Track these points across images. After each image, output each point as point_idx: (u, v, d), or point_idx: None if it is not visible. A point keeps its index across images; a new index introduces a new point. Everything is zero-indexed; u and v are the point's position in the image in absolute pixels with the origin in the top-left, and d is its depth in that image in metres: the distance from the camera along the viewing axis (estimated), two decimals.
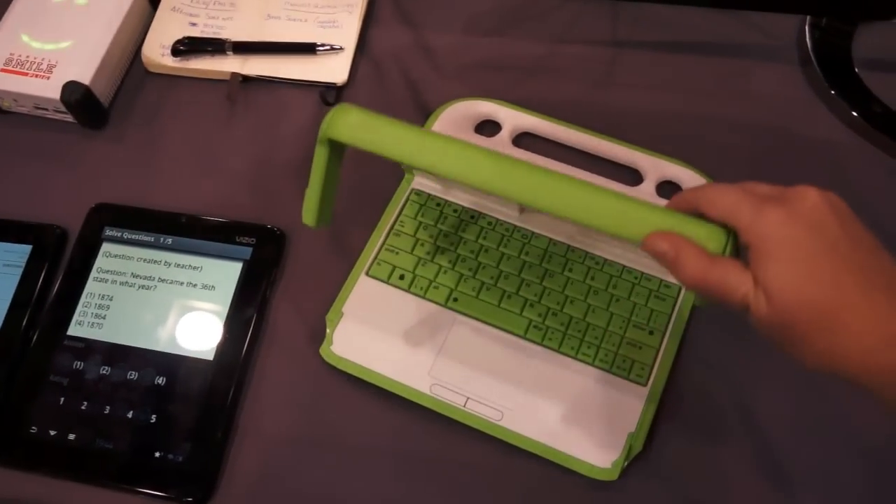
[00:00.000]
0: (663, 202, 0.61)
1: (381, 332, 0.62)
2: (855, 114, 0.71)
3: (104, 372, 0.63)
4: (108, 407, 0.62)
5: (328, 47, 0.74)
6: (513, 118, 0.71)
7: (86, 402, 0.62)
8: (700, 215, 0.46)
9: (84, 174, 0.73)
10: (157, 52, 0.75)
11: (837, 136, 0.71)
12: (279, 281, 0.67)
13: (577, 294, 0.62)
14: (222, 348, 0.64)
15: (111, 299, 0.66)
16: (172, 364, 0.63)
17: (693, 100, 0.73)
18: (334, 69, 0.74)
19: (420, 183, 0.68)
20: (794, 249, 0.41)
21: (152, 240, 0.68)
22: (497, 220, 0.66)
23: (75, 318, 0.65)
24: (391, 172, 0.68)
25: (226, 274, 0.66)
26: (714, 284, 0.43)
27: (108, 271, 0.67)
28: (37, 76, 0.72)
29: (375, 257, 0.65)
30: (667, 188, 0.68)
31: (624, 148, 0.69)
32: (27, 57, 0.73)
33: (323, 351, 0.62)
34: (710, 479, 0.58)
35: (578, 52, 0.76)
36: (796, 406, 0.60)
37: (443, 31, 0.78)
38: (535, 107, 0.72)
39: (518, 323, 0.62)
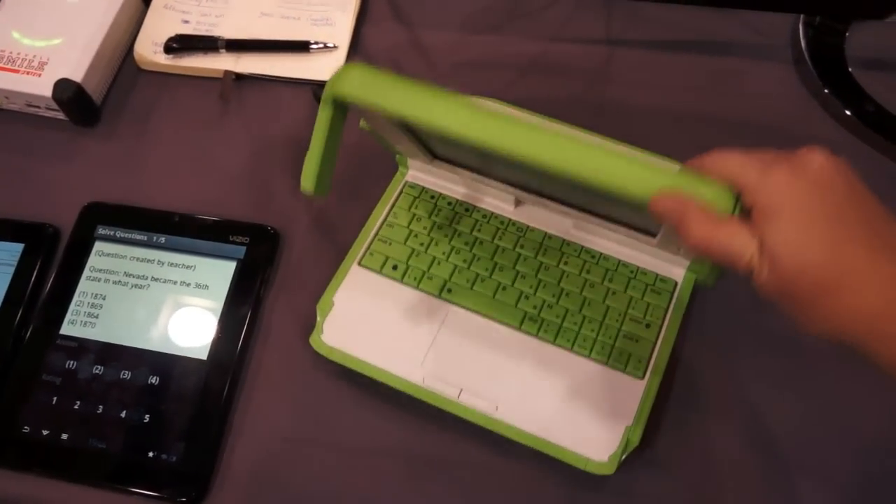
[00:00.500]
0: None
1: (372, 323, 0.62)
2: (848, 112, 0.71)
3: (97, 371, 0.63)
4: (101, 406, 0.62)
5: (322, 45, 0.74)
6: None
7: (79, 402, 0.62)
8: None
9: (76, 172, 0.72)
10: (149, 49, 0.75)
11: (831, 135, 0.71)
12: (273, 279, 0.66)
13: (573, 287, 0.62)
14: (216, 347, 0.63)
15: (104, 298, 0.65)
16: (166, 363, 0.63)
17: (686, 98, 0.73)
18: (328, 67, 0.74)
19: (414, 176, 0.68)
20: (799, 210, 0.40)
21: (145, 238, 0.68)
22: (492, 213, 0.66)
23: (68, 317, 0.65)
24: (385, 167, 0.68)
25: (219, 273, 0.66)
26: (719, 248, 0.42)
27: (101, 270, 0.67)
28: (28, 73, 0.71)
29: (368, 248, 0.65)
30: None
31: (617, 145, 0.68)
32: (18, 54, 0.72)
33: (313, 340, 0.61)
34: (708, 473, 0.58)
35: (572, 51, 0.76)
36: (795, 400, 0.60)
37: (437, 29, 0.78)
38: (530, 105, 0.72)
39: (513, 314, 0.61)
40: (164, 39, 0.75)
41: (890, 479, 0.57)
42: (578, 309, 0.61)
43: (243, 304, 0.65)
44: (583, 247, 0.64)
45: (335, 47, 0.74)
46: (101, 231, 0.68)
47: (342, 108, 0.51)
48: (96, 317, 0.65)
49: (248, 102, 0.74)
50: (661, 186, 0.44)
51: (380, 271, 0.63)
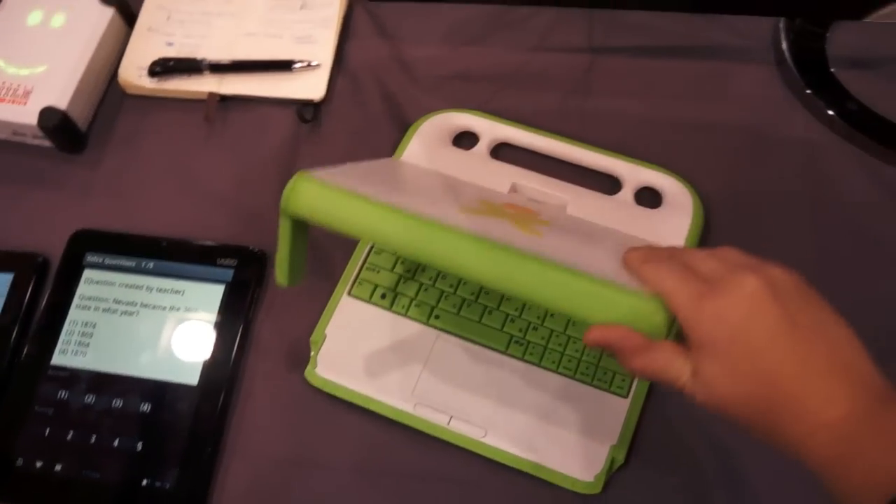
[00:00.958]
0: (642, 209, 0.62)
1: (364, 353, 0.62)
2: (831, 112, 0.71)
3: (89, 400, 0.63)
4: (94, 436, 0.62)
5: (304, 64, 0.74)
6: (490, 129, 0.71)
7: (72, 432, 0.62)
8: None
9: (64, 199, 0.73)
10: (133, 73, 0.75)
11: (814, 136, 0.71)
12: (262, 302, 0.67)
13: None
14: (207, 372, 0.64)
15: (94, 326, 0.66)
16: (157, 390, 0.63)
17: (670, 104, 0.73)
18: (311, 85, 0.74)
19: None
20: (729, 347, 0.41)
21: (134, 265, 0.68)
22: None
23: (59, 346, 0.65)
24: None
25: (208, 297, 0.66)
26: (655, 374, 0.44)
27: (90, 298, 0.67)
28: (13, 102, 0.72)
29: (357, 276, 0.65)
30: (646, 195, 0.68)
31: (602, 156, 0.69)
32: (3, 83, 0.73)
33: (308, 374, 0.62)
34: (693, 491, 0.59)
35: (555, 60, 0.76)
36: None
37: (419, 42, 0.78)
38: (513, 116, 0.72)
39: (499, 338, 0.62)
40: (148, 63, 0.75)
41: None
42: (563, 329, 0.62)
43: (233, 327, 0.65)
44: None
45: (318, 65, 0.74)
46: (89, 258, 0.69)
47: None
48: (87, 345, 0.65)
49: (233, 123, 0.74)
50: (596, 307, 0.45)
51: (369, 300, 0.64)
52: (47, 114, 0.70)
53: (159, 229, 0.70)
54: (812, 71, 0.73)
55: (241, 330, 0.65)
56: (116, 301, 0.67)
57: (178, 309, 0.66)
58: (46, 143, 0.73)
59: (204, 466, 0.61)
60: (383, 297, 0.64)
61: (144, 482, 0.60)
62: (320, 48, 0.75)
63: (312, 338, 0.63)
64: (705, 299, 0.42)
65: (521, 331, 0.62)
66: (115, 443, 0.62)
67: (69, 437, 0.62)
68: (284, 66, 0.74)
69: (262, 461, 0.61)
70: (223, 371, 0.64)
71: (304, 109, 0.73)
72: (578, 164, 0.69)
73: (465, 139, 0.72)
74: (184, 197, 0.72)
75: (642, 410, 0.60)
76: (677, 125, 0.72)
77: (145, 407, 0.63)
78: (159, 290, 0.67)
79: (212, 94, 0.74)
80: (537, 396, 0.60)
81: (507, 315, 0.62)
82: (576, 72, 0.75)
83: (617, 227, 0.64)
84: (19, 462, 0.61)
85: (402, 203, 0.49)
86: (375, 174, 0.60)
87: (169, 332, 0.65)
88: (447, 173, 0.67)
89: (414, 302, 0.64)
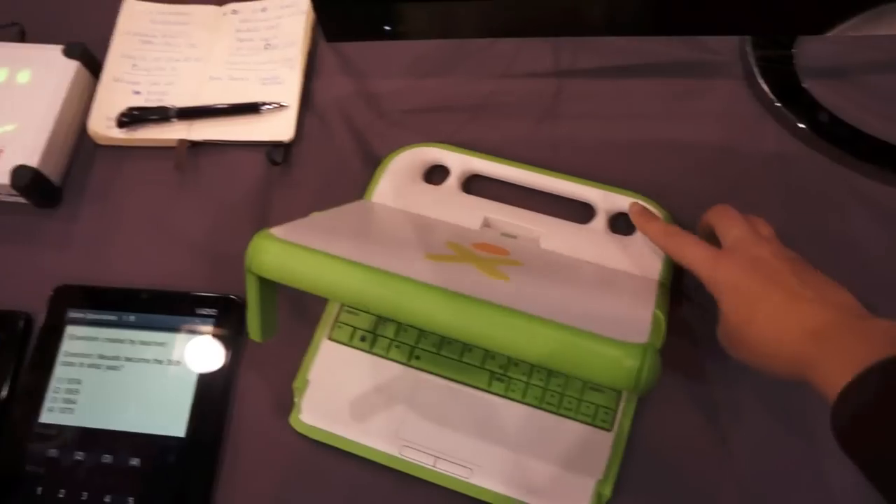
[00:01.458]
0: (616, 237, 0.63)
1: (347, 397, 0.63)
2: (801, 125, 0.71)
3: (79, 458, 0.64)
4: (85, 493, 0.63)
5: (272, 105, 0.74)
6: (461, 162, 0.71)
7: (63, 491, 0.63)
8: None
9: (42, 255, 0.73)
10: (102, 124, 0.75)
11: (786, 149, 0.71)
12: (244, 350, 0.67)
13: None
14: (194, 423, 0.64)
15: (80, 383, 0.66)
16: (145, 444, 0.64)
17: (640, 125, 0.73)
18: (280, 127, 0.74)
19: None
20: (736, 292, 0.54)
21: (115, 318, 0.69)
22: None
23: (46, 404, 0.66)
24: None
25: (190, 347, 0.67)
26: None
27: (74, 354, 0.68)
28: None
29: (336, 320, 0.65)
30: (620, 221, 0.68)
31: (574, 183, 0.69)
32: None
33: (293, 420, 0.63)
34: None
35: (522, 87, 0.76)
36: (767, 444, 0.61)
37: (386, 76, 0.78)
38: (483, 147, 0.72)
39: (480, 376, 0.62)
40: (116, 113, 0.75)
41: None
42: None
43: (217, 376, 0.66)
44: None
45: (286, 106, 0.74)
46: (71, 314, 0.69)
47: None
48: (74, 402, 0.66)
49: (204, 169, 0.75)
50: (559, 354, 0.46)
51: (349, 343, 0.64)
52: (19, 172, 0.71)
53: (138, 280, 0.70)
54: (781, 83, 0.73)
55: (225, 379, 0.65)
56: (101, 356, 0.67)
57: (161, 361, 0.67)
58: (22, 199, 0.73)
59: None
60: (363, 339, 0.64)
61: None
62: (286, 88, 0.75)
63: (295, 384, 0.64)
64: (719, 260, 0.55)
65: (501, 367, 0.62)
66: (107, 499, 0.62)
67: (61, 495, 0.63)
68: (252, 108, 0.74)
69: None
70: (210, 421, 0.64)
71: (274, 152, 0.73)
72: (551, 192, 0.69)
73: (435, 173, 0.72)
74: (160, 246, 0.72)
75: (628, 443, 0.60)
76: (649, 146, 0.72)
77: (135, 461, 0.63)
78: (142, 343, 0.67)
79: (181, 142, 0.74)
80: (521, 433, 0.60)
81: (487, 352, 0.63)
82: (544, 97, 0.75)
83: (591, 257, 0.64)
84: None
85: (366, 256, 0.50)
86: (342, 223, 0.60)
87: (154, 385, 0.66)
88: (418, 211, 0.67)
89: (394, 343, 0.64)
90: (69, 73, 0.76)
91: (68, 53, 0.76)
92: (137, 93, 0.77)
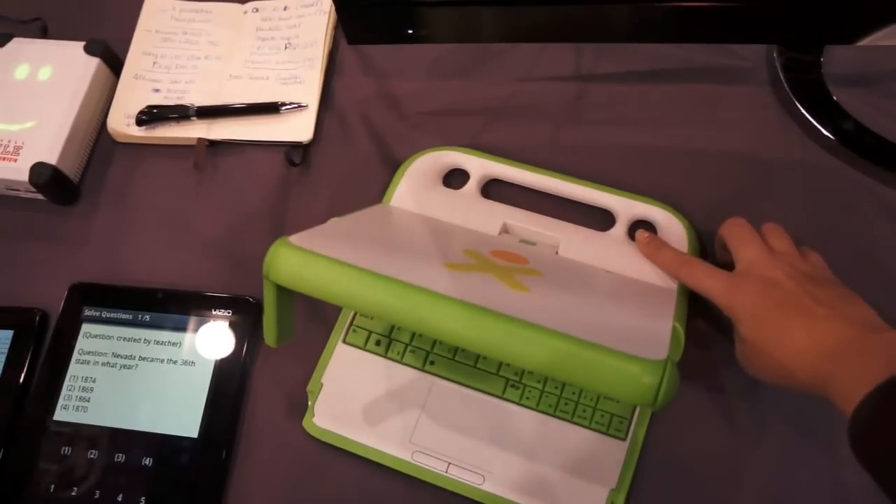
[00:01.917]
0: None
1: (361, 400, 0.62)
2: (826, 133, 0.70)
3: (92, 456, 0.64)
4: (97, 492, 0.63)
5: (292, 105, 0.74)
6: (480, 167, 0.70)
7: (76, 489, 0.63)
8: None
9: (59, 252, 0.73)
10: (121, 122, 0.75)
11: (811, 157, 0.70)
12: (259, 351, 0.67)
13: None
14: (207, 424, 0.64)
15: (94, 381, 0.66)
16: (158, 444, 0.64)
17: (663, 131, 0.72)
18: (299, 127, 0.74)
19: None
20: (753, 315, 0.55)
21: (130, 317, 0.68)
22: None
23: (60, 402, 0.66)
24: None
25: (205, 348, 0.67)
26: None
27: (89, 353, 0.68)
28: (4, 159, 0.72)
29: (351, 324, 0.65)
30: (640, 228, 0.67)
31: (594, 190, 0.68)
32: None
33: (306, 423, 0.62)
34: None
35: (543, 90, 0.75)
36: (783, 456, 0.60)
37: (406, 78, 0.77)
38: (503, 150, 0.71)
39: (495, 383, 0.62)
40: (135, 111, 0.75)
41: None
42: None
43: (231, 377, 0.65)
44: None
45: (305, 106, 0.74)
46: (87, 312, 0.69)
47: None
48: (88, 400, 0.66)
49: (222, 168, 0.74)
50: (579, 369, 0.45)
51: (364, 347, 0.64)
52: (38, 169, 0.71)
53: (154, 279, 0.70)
54: (807, 91, 0.72)
55: (239, 380, 0.65)
56: (115, 355, 0.67)
57: (175, 361, 0.66)
58: (40, 196, 0.73)
59: None
60: (378, 343, 0.64)
61: None
62: (307, 88, 0.75)
63: (309, 387, 0.63)
64: (733, 286, 0.56)
65: (516, 374, 0.62)
66: (119, 498, 0.62)
67: (73, 493, 0.63)
68: (272, 108, 0.74)
69: None
70: (223, 422, 0.64)
71: (293, 153, 0.73)
72: (571, 199, 0.69)
73: (455, 177, 0.72)
74: (177, 245, 0.72)
75: (641, 453, 0.59)
76: (671, 153, 0.71)
77: (147, 461, 0.63)
78: (157, 343, 0.67)
79: (200, 140, 0.74)
80: (535, 441, 0.60)
81: None
82: (565, 101, 0.74)
83: (610, 265, 0.64)
84: None
85: (385, 266, 0.49)
86: (361, 230, 0.60)
87: (168, 385, 0.66)
88: (437, 216, 0.67)
89: (409, 348, 0.63)
90: (90, 70, 0.76)
91: (89, 50, 0.76)
92: (157, 91, 0.77)
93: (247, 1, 0.82)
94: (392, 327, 0.64)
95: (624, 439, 0.59)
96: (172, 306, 0.68)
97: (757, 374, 0.55)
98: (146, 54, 0.79)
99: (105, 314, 0.69)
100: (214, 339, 0.67)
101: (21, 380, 0.67)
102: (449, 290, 0.48)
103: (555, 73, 0.76)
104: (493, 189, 0.71)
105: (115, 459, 0.64)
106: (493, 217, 0.67)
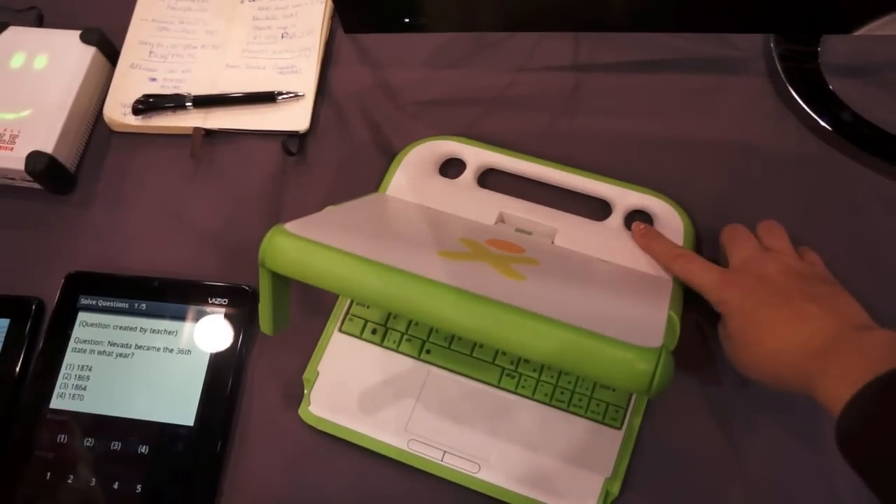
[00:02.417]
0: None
1: (357, 389, 0.62)
2: (824, 123, 0.70)
3: (88, 444, 0.64)
4: (94, 479, 0.63)
5: (289, 95, 0.74)
6: (477, 156, 0.70)
7: (72, 476, 0.63)
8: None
9: (55, 241, 0.73)
10: (118, 111, 0.75)
11: (808, 147, 0.70)
12: (255, 340, 0.67)
13: None
14: (203, 412, 0.64)
15: (90, 369, 0.66)
16: (154, 432, 0.64)
17: (660, 121, 0.72)
18: (296, 117, 0.74)
19: None
20: (742, 311, 0.55)
21: (127, 306, 0.68)
22: None
23: (56, 390, 0.66)
24: None
25: (201, 336, 0.67)
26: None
27: (85, 341, 0.68)
28: (0, 148, 0.72)
29: (347, 312, 0.65)
30: (636, 218, 0.67)
31: (590, 180, 0.68)
32: None
33: (302, 412, 0.62)
34: None
35: (541, 80, 0.75)
36: (776, 445, 0.60)
37: (402, 68, 0.77)
38: (500, 140, 0.71)
39: (491, 372, 0.62)
40: (132, 100, 0.75)
41: None
42: None
43: (227, 366, 0.65)
44: None
45: (302, 95, 0.74)
46: (83, 301, 0.69)
47: None
48: (84, 388, 0.66)
49: (219, 157, 0.74)
50: (574, 357, 0.45)
51: (360, 336, 0.64)
52: (34, 158, 0.71)
53: (150, 268, 0.70)
54: (804, 81, 0.72)
55: (235, 368, 0.65)
56: (111, 343, 0.67)
57: (171, 350, 0.66)
58: (36, 185, 0.73)
59: None
60: (374, 332, 0.64)
61: None
62: (303, 78, 0.75)
63: (305, 375, 0.63)
64: (725, 281, 0.56)
65: (512, 363, 0.62)
66: (116, 485, 0.62)
67: (70, 480, 0.63)
68: (268, 97, 0.74)
69: (259, 500, 0.62)
70: (219, 410, 0.64)
71: (290, 142, 0.73)
72: (567, 188, 0.68)
73: (451, 166, 0.71)
74: (173, 234, 0.72)
75: (636, 442, 0.60)
76: (668, 143, 0.71)
77: (143, 449, 0.63)
78: (153, 331, 0.67)
79: (197, 130, 0.74)
80: (530, 429, 0.60)
81: (498, 348, 0.62)
82: (562, 92, 0.74)
83: (607, 255, 0.64)
84: None
85: (381, 254, 0.49)
86: (357, 218, 0.60)
87: (164, 373, 0.66)
88: (433, 205, 0.67)
89: (405, 336, 0.63)
90: (86, 59, 0.76)
91: (85, 39, 0.76)
92: (154, 80, 0.77)
93: None
94: (388, 316, 0.64)
95: (620, 428, 0.59)
96: (169, 295, 0.69)
97: (744, 371, 0.55)
98: (142, 43, 0.78)
99: (101, 303, 0.69)
100: (211, 327, 0.67)
101: (17, 368, 0.67)
102: (444, 278, 0.48)
103: (551, 63, 0.76)
104: (490, 179, 0.71)
105: (112, 447, 0.64)
106: (490, 206, 0.67)
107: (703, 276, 0.57)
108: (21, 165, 0.70)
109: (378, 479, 0.61)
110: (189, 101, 0.74)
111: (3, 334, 0.69)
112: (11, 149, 0.71)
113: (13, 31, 0.78)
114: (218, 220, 0.72)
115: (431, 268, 0.49)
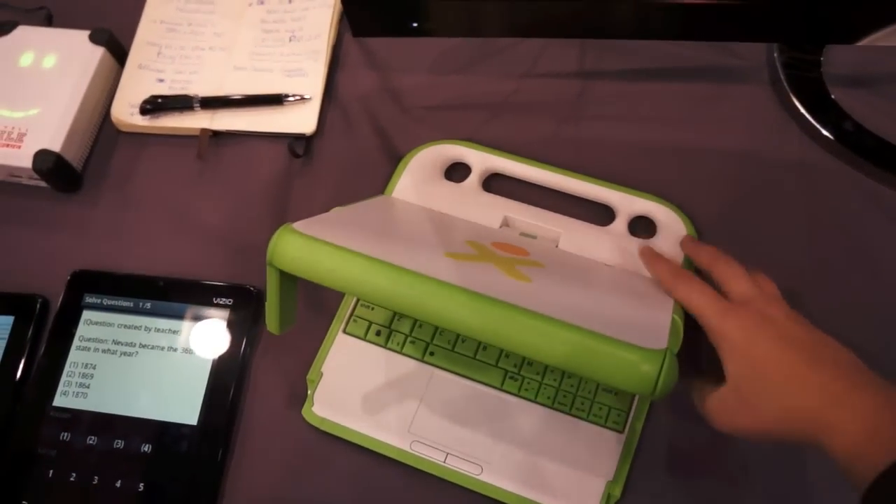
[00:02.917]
0: (635, 241, 0.62)
1: (360, 391, 0.63)
2: (826, 133, 0.70)
3: (91, 442, 0.64)
4: (96, 477, 0.63)
5: (295, 97, 0.74)
6: (482, 160, 0.71)
7: (74, 474, 0.63)
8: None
9: (61, 239, 0.73)
10: (125, 111, 0.76)
11: (810, 156, 0.71)
12: (259, 340, 0.67)
13: None
14: (206, 412, 0.64)
15: (94, 368, 0.67)
16: (157, 430, 0.64)
17: (664, 128, 0.73)
18: (302, 119, 0.74)
19: None
20: (744, 364, 0.50)
21: (131, 305, 0.69)
22: None
23: (60, 388, 0.66)
24: None
25: (206, 336, 0.67)
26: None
27: (90, 339, 0.68)
28: (8, 146, 0.72)
29: (352, 314, 0.65)
30: (640, 224, 0.68)
31: (595, 185, 0.69)
32: None
33: (305, 412, 0.63)
34: None
35: (546, 86, 0.76)
36: (778, 449, 0.60)
37: (409, 72, 0.77)
38: (505, 145, 0.72)
39: (494, 375, 0.62)
40: (139, 101, 0.75)
41: None
42: None
43: (231, 366, 0.66)
44: None
45: (309, 98, 0.74)
46: (88, 299, 0.69)
47: None
48: (88, 387, 0.66)
49: (225, 159, 0.75)
50: (579, 358, 0.45)
51: (364, 338, 0.64)
52: (42, 156, 0.71)
53: (155, 267, 0.70)
54: (807, 91, 0.72)
55: (239, 368, 0.65)
56: (116, 342, 0.67)
57: (175, 349, 0.67)
58: (43, 183, 0.73)
59: None
60: (378, 334, 0.64)
61: None
62: (310, 81, 0.75)
63: (309, 376, 0.64)
64: (729, 312, 0.51)
65: (515, 366, 0.62)
66: (118, 484, 0.63)
67: (72, 478, 0.63)
68: (275, 100, 0.74)
69: (261, 499, 0.62)
70: (222, 410, 0.64)
71: (296, 144, 0.73)
72: (571, 193, 0.69)
73: (456, 170, 0.72)
74: (179, 234, 0.72)
75: (638, 445, 0.60)
76: (671, 150, 0.72)
77: (146, 448, 0.63)
78: (157, 331, 0.68)
79: (204, 131, 0.74)
80: (533, 432, 0.60)
81: (502, 351, 0.63)
82: (567, 98, 0.75)
83: (610, 260, 0.64)
84: None
85: (388, 253, 0.50)
86: (364, 219, 0.60)
87: (168, 373, 0.66)
88: (438, 209, 0.67)
89: (409, 339, 0.64)
90: (94, 59, 0.76)
91: (94, 39, 0.77)
92: (161, 81, 0.77)
93: None
94: (392, 318, 0.64)
95: (622, 432, 0.60)
96: (173, 294, 0.69)
97: (735, 419, 0.50)
98: (151, 44, 0.79)
99: (106, 301, 0.69)
100: (215, 327, 0.67)
101: (21, 366, 0.67)
102: (451, 278, 0.48)
103: (557, 69, 0.76)
104: (495, 183, 0.71)
105: (115, 445, 0.64)
106: (494, 210, 0.67)
107: (706, 301, 0.53)
108: (28, 163, 0.71)
109: (380, 479, 0.61)
110: (196, 103, 0.75)
111: (8, 332, 0.69)
112: (19, 147, 0.72)
113: (22, 31, 0.78)
114: (223, 221, 0.72)
115: (438, 268, 0.50)
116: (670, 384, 0.45)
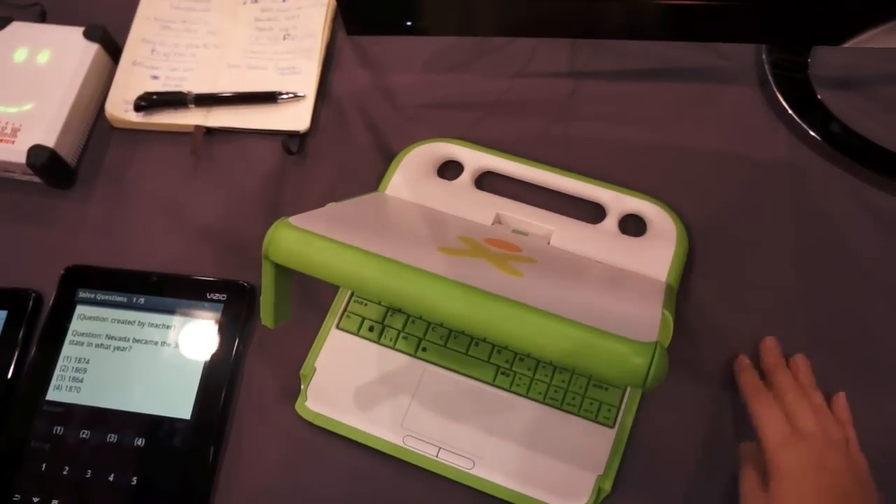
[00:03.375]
0: (625, 238, 0.63)
1: (353, 386, 0.63)
2: (813, 134, 0.71)
3: (84, 436, 0.64)
4: (89, 471, 0.63)
5: (289, 95, 0.75)
6: (474, 159, 0.71)
7: (67, 468, 0.63)
8: None
9: (55, 235, 0.73)
10: (119, 108, 0.76)
11: (797, 157, 0.72)
12: (252, 335, 0.68)
13: None
14: (199, 406, 0.65)
15: (88, 362, 0.67)
16: (151, 425, 0.64)
17: (654, 128, 0.73)
18: (296, 117, 0.75)
19: None
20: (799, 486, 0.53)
21: (125, 300, 0.69)
22: None
23: (53, 382, 0.66)
24: None
25: (199, 331, 0.67)
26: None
27: (83, 334, 0.68)
28: (2, 141, 0.72)
29: (345, 309, 0.66)
30: (630, 222, 0.69)
31: (585, 184, 0.69)
32: None
33: (298, 407, 0.63)
34: None
35: (538, 86, 0.76)
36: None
37: (402, 71, 0.78)
38: (497, 144, 0.72)
39: (486, 370, 0.63)
40: (133, 97, 0.75)
41: None
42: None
43: (224, 361, 0.66)
44: None
45: (302, 96, 0.75)
46: (81, 294, 0.69)
47: None
48: (81, 381, 0.66)
49: (219, 156, 0.75)
50: (570, 349, 0.46)
51: (357, 333, 0.65)
52: (35, 152, 0.71)
53: (149, 263, 0.71)
54: (795, 92, 0.73)
55: (232, 363, 0.66)
56: (109, 336, 0.68)
57: (169, 344, 0.67)
58: (36, 179, 0.74)
59: (197, 500, 0.62)
60: (371, 329, 0.65)
61: None
62: (304, 79, 0.76)
63: (302, 371, 0.64)
64: (792, 441, 0.54)
65: (507, 362, 0.63)
66: (111, 477, 0.63)
67: (65, 472, 0.63)
68: (269, 97, 0.75)
69: (254, 494, 0.62)
70: (215, 404, 0.65)
71: (290, 141, 0.74)
72: (562, 192, 0.70)
73: (449, 168, 0.73)
74: (172, 230, 0.72)
75: (629, 440, 0.61)
76: (661, 149, 0.72)
77: (139, 441, 0.64)
78: (151, 325, 0.68)
79: (198, 128, 0.75)
80: (525, 427, 0.61)
81: (494, 346, 0.63)
82: (559, 97, 0.76)
83: (601, 257, 0.65)
84: (16, 497, 0.63)
85: (382, 247, 0.50)
86: (358, 214, 0.61)
87: (161, 367, 0.66)
88: (431, 206, 0.68)
89: (401, 334, 0.64)
90: (88, 56, 0.76)
91: (88, 36, 0.77)
92: (156, 77, 0.77)
93: None
94: (385, 314, 0.65)
95: (612, 427, 0.60)
96: (167, 290, 0.69)
97: None
98: (145, 41, 0.79)
99: (100, 296, 0.69)
100: (208, 322, 0.67)
101: (14, 360, 0.68)
102: (444, 272, 0.49)
103: (549, 69, 0.77)
104: (487, 181, 0.72)
105: (108, 440, 0.64)
106: (487, 208, 0.68)
107: (772, 423, 0.56)
108: (22, 159, 0.71)
109: (373, 474, 0.62)
110: (190, 100, 0.75)
111: (1, 326, 0.69)
112: (13, 142, 0.72)
113: (17, 26, 0.78)
114: (217, 218, 0.73)
115: (431, 262, 0.50)
116: (661, 376, 0.45)
